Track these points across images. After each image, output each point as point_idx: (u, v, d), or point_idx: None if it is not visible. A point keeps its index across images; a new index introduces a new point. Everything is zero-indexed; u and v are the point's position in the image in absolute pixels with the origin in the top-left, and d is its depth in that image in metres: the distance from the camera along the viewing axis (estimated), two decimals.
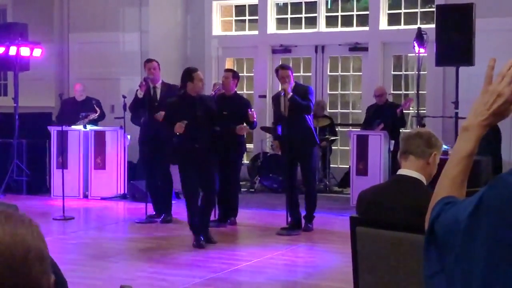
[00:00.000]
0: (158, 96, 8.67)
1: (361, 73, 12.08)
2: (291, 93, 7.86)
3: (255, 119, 8.16)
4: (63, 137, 10.06)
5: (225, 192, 8.49)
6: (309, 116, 8.08)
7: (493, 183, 1.52)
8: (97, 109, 10.55)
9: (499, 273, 1.44)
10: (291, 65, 12.32)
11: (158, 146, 8.53)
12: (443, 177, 1.77)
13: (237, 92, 8.87)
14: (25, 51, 10.77)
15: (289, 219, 8.15)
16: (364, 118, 10.85)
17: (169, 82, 8.92)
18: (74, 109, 10.60)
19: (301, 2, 12.42)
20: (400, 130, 10.40)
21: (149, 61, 8.88)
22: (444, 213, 1.64)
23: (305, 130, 8.00)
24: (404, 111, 10.42)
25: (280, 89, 8.07)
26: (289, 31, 12.52)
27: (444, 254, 1.59)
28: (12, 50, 10.63)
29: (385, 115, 10.18)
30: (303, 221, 8.20)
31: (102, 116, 10.75)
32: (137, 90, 8.60)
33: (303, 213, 8.21)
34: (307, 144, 8.01)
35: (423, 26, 9.81)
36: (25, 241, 1.34)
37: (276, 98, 8.27)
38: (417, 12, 11.58)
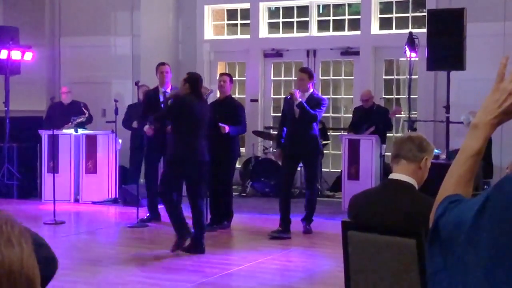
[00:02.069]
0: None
1: (352, 77, 12.10)
2: (299, 99, 7.88)
3: (226, 131, 8.18)
4: (54, 141, 10.03)
5: (216, 196, 8.50)
6: (316, 125, 8.11)
7: (499, 184, 1.52)
8: (85, 111, 10.53)
9: (502, 269, 1.44)
10: (282, 69, 12.39)
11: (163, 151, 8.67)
12: (450, 175, 1.75)
13: (232, 95, 8.91)
14: (16, 55, 10.74)
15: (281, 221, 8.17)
16: (351, 120, 10.90)
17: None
18: (61, 113, 10.60)
19: (293, 7, 12.44)
20: (388, 134, 10.43)
21: (162, 64, 8.93)
22: (449, 212, 1.63)
23: (309, 137, 8.03)
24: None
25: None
26: (281, 35, 12.53)
27: (447, 252, 1.59)
28: (3, 54, 10.61)
29: (374, 119, 10.22)
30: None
31: (90, 119, 10.73)
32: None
33: (295, 217, 8.22)
34: (309, 150, 8.03)
35: (414, 31, 9.83)
36: (9, 264, 1.16)
37: (290, 100, 8.25)
38: (408, 17, 11.62)
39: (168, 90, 8.69)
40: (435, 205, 1.71)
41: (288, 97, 8.07)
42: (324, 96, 8.85)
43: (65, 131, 10.43)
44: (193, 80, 7.31)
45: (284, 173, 8.30)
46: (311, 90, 8.13)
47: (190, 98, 7.21)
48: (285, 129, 8.25)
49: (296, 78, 8.22)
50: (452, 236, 1.58)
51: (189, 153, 7.12)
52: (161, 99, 8.57)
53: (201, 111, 7.26)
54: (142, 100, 9.32)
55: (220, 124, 8.19)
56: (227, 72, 11.91)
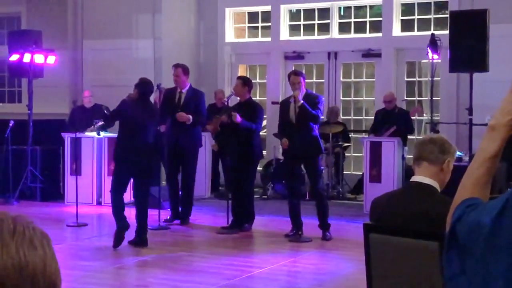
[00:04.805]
0: (182, 102, 8.87)
1: (374, 80, 12.06)
2: (301, 101, 7.87)
3: (238, 120, 8.25)
4: (76, 144, 10.09)
5: (237, 198, 8.50)
6: (315, 126, 8.07)
7: None
8: (108, 114, 10.59)
9: None
10: (303, 71, 12.36)
11: (180, 152, 8.75)
12: (466, 178, 1.73)
13: (252, 98, 8.90)
14: (39, 58, 10.82)
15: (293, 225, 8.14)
16: (372, 123, 10.88)
17: None
18: (83, 116, 10.68)
19: (314, 9, 12.42)
20: (409, 136, 10.36)
21: (174, 66, 9.05)
22: (467, 216, 1.61)
23: (311, 138, 7.96)
24: (413, 117, 10.44)
25: (291, 95, 8.10)
26: (302, 37, 12.52)
27: (465, 257, 1.57)
28: (26, 57, 10.68)
29: (395, 121, 10.17)
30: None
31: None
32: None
33: (309, 219, 8.19)
34: (312, 152, 7.98)
35: (436, 32, 9.77)
36: (33, 267, 1.16)
37: (284, 104, 8.26)
38: (430, 18, 11.55)
39: (184, 90, 8.87)
40: (451, 209, 1.69)
41: (292, 100, 8.01)
42: (318, 94, 8.82)
43: (87, 134, 10.49)
44: (141, 86, 7.80)
45: (287, 177, 8.29)
46: (305, 90, 8.12)
47: (131, 103, 7.69)
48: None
49: (293, 81, 8.12)
50: (471, 240, 1.56)
51: (127, 154, 7.63)
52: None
53: (139, 115, 7.66)
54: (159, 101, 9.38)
55: (232, 112, 8.24)
56: (247, 74, 11.94)
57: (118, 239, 7.52)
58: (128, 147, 7.64)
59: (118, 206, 7.71)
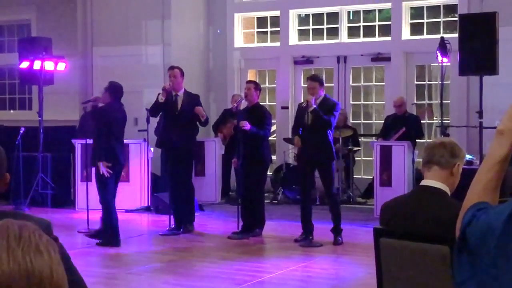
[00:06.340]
0: (179, 105, 8.69)
1: (383, 83, 12.04)
2: (314, 106, 7.88)
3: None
4: (87, 150, 10.12)
5: (248, 204, 8.50)
6: (330, 131, 8.06)
7: None
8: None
9: None
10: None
11: (176, 156, 8.61)
12: (475, 182, 1.73)
13: (260, 103, 8.91)
14: (49, 65, 10.87)
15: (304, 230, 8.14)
16: (381, 127, 10.88)
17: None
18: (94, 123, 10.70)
19: (323, 13, 12.42)
20: (417, 140, 10.34)
21: (171, 68, 8.95)
22: (477, 220, 1.61)
23: (323, 143, 7.96)
24: (423, 120, 10.43)
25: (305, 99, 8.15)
26: (311, 42, 12.52)
27: (476, 261, 1.56)
28: (37, 64, 10.74)
29: (405, 125, 10.16)
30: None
31: None
32: (158, 94, 8.67)
33: (320, 224, 8.18)
34: (323, 158, 7.98)
35: (446, 36, 9.75)
36: (40, 273, 1.16)
37: (301, 108, 8.26)
38: (439, 22, 11.53)
39: (180, 93, 8.72)
40: (461, 213, 1.69)
41: (304, 104, 8.04)
42: (337, 100, 8.84)
43: None
44: (113, 89, 8.08)
45: (300, 179, 8.29)
46: (323, 95, 8.12)
47: (110, 106, 7.98)
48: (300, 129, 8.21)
49: (308, 86, 8.19)
50: (481, 244, 1.56)
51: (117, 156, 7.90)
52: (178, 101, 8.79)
53: (120, 118, 8.02)
54: None
55: (242, 121, 8.26)
56: (256, 79, 11.95)
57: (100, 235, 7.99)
58: (117, 150, 7.92)
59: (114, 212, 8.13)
